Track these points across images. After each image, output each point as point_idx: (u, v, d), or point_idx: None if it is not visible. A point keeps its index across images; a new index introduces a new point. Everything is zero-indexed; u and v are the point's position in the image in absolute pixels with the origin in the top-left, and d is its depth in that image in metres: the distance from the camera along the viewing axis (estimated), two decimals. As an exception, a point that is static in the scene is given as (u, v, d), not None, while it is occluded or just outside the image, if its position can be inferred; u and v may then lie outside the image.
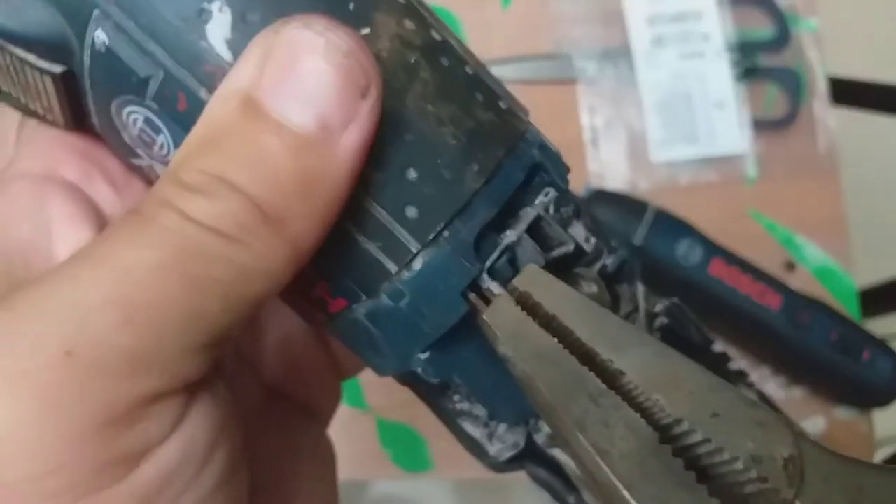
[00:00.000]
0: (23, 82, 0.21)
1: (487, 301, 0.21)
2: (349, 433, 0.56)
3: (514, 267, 0.21)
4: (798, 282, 0.58)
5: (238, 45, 0.18)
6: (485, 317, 0.20)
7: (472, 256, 0.20)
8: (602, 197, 0.56)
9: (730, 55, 0.61)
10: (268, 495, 0.25)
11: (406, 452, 0.56)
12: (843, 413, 0.58)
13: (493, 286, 0.21)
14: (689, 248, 0.55)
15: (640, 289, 0.24)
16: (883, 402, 0.57)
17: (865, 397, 0.57)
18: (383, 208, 0.20)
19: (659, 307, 0.25)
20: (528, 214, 0.22)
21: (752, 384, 0.25)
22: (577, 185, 0.57)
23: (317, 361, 0.29)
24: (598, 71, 0.60)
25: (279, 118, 0.18)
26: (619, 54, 0.60)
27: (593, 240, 0.23)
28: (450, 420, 0.24)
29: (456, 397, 0.23)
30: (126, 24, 0.19)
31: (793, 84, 0.61)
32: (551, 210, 0.22)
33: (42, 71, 0.20)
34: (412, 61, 0.20)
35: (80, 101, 0.21)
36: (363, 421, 0.56)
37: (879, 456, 0.63)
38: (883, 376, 0.55)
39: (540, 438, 0.23)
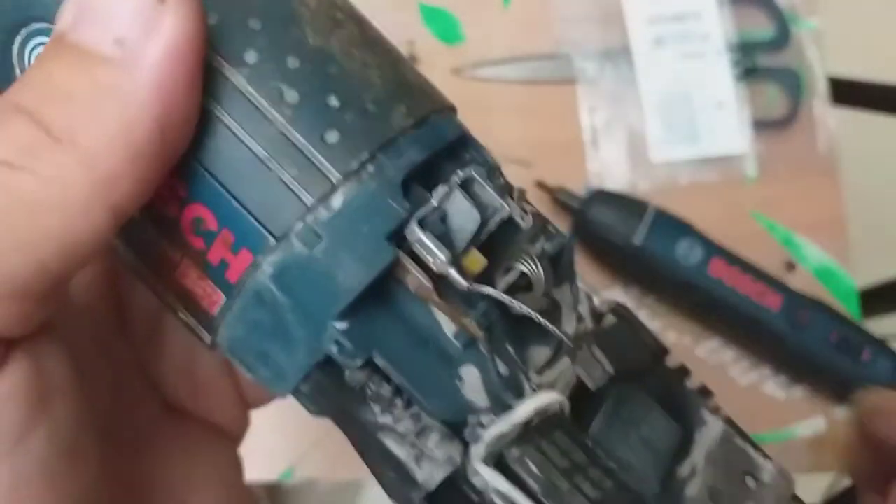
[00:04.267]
0: None
1: (414, 257, 0.19)
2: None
3: (446, 224, 0.20)
4: (798, 282, 0.58)
5: None
6: None
7: (399, 198, 0.19)
8: (602, 197, 0.56)
9: (730, 55, 0.61)
10: None
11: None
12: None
13: (423, 237, 0.19)
14: (689, 248, 0.55)
15: (582, 290, 0.23)
16: (883, 402, 0.57)
17: (865, 397, 0.57)
18: (299, 133, 0.18)
19: (604, 306, 0.23)
20: (459, 176, 0.21)
21: (718, 408, 0.23)
22: (577, 185, 0.57)
23: (222, 389, 0.28)
24: (598, 71, 0.60)
25: (78, 45, 0.17)
26: (619, 54, 0.60)
27: (529, 218, 0.21)
28: (370, 440, 0.20)
29: (377, 408, 0.20)
30: None
31: (793, 84, 0.61)
32: (484, 176, 0.21)
33: None
34: (338, 17, 0.20)
35: None
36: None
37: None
38: (883, 376, 0.55)
39: (480, 451, 0.19)
